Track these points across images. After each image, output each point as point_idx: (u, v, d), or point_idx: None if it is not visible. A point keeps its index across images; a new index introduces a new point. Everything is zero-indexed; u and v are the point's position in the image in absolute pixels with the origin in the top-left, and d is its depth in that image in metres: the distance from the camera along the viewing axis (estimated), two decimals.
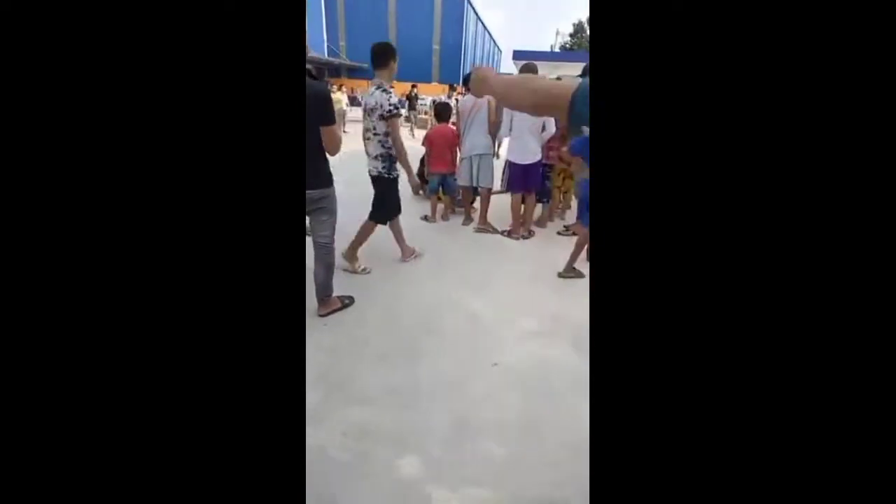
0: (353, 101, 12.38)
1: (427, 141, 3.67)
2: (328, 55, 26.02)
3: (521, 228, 3.55)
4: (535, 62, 3.49)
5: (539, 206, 3.81)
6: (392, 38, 26.01)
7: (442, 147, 3.64)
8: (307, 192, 1.84)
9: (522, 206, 3.52)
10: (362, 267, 2.71)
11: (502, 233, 3.57)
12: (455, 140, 3.64)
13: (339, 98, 9.45)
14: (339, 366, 1.79)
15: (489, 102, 3.28)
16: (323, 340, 1.95)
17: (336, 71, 26.69)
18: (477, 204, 3.87)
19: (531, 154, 3.23)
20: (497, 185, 3.61)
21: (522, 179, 3.34)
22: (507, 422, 1.54)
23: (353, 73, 24.48)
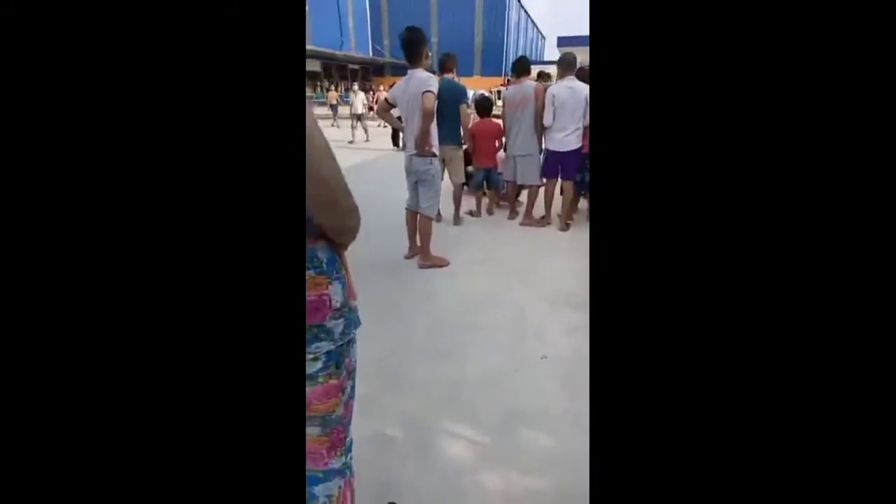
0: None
1: (470, 136, 3.68)
2: (373, 54, 26.54)
3: (559, 219, 3.50)
4: (574, 52, 3.42)
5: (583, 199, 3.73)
6: (434, 34, 26.03)
7: (486, 142, 3.64)
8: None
9: (561, 196, 3.47)
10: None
11: (528, 221, 3.59)
12: (499, 133, 3.62)
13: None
14: (392, 358, 1.87)
15: (536, 93, 3.24)
16: (375, 333, 2.04)
17: (380, 69, 27.16)
18: (522, 198, 3.84)
19: (569, 143, 3.19)
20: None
21: (556, 167, 3.31)
22: (556, 414, 1.55)
23: (398, 70, 24.82)
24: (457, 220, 3.65)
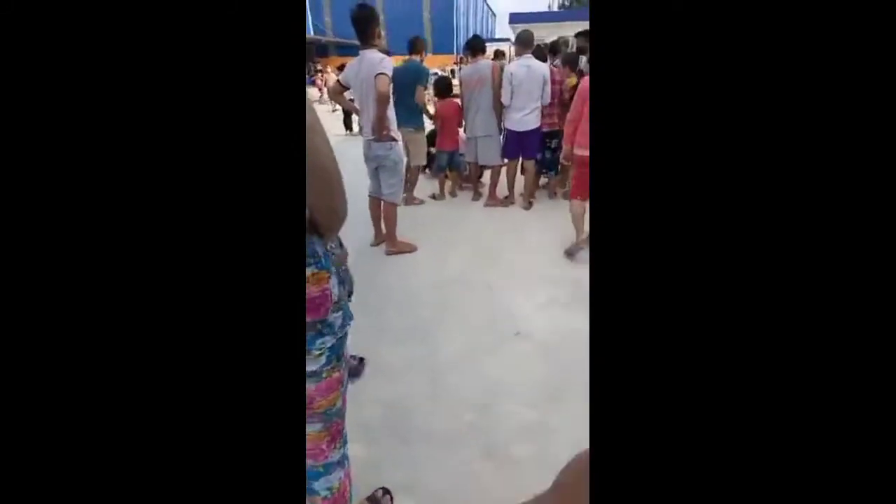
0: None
1: (437, 118, 3.62)
2: (314, 33, 25.18)
3: (521, 198, 3.56)
4: (531, 29, 3.42)
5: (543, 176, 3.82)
6: (380, 10, 24.96)
7: (449, 123, 3.61)
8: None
9: (523, 177, 3.52)
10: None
11: (492, 201, 3.61)
12: (460, 114, 3.59)
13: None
14: (368, 345, 1.86)
15: (493, 71, 3.23)
16: None
17: (324, 49, 25.85)
18: (485, 179, 3.87)
19: (528, 122, 3.23)
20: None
21: (518, 147, 3.35)
22: (532, 386, 1.61)
23: (343, 49, 23.77)
24: (409, 201, 3.61)
